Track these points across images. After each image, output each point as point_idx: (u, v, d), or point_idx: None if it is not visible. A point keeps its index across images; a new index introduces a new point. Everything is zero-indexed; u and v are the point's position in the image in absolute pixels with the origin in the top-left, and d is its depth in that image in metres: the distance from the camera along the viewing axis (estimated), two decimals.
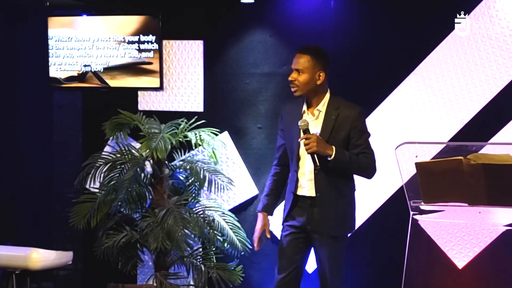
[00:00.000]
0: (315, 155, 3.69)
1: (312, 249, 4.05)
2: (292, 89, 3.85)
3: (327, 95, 3.89)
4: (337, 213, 3.87)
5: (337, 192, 3.87)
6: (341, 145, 3.80)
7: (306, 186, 3.88)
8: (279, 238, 5.40)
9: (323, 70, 3.83)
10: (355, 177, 4.08)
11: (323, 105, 3.87)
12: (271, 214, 4.17)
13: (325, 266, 3.93)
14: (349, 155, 3.75)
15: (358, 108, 3.90)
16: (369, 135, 3.92)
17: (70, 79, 5.61)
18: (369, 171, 3.89)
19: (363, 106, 5.19)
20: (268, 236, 4.08)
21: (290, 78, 3.84)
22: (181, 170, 5.31)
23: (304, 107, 3.89)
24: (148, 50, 5.47)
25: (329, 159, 3.71)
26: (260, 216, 4.09)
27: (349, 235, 4.11)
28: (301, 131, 3.75)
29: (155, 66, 5.47)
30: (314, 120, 3.87)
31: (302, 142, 3.75)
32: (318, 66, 3.82)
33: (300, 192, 3.90)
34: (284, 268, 4.01)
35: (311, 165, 3.80)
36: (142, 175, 5.20)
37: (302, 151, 3.84)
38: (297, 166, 3.88)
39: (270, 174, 4.20)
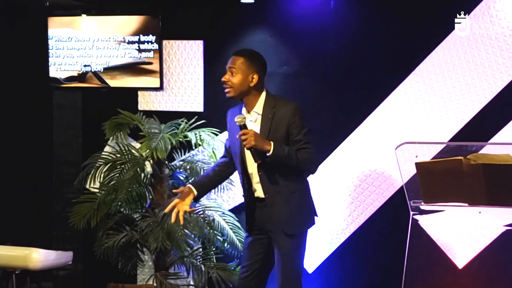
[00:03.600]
0: (254, 150, 3.70)
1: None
2: (225, 91, 3.88)
3: (263, 96, 3.91)
4: (290, 211, 3.87)
5: (287, 191, 3.88)
6: (281, 143, 3.80)
7: (257, 188, 3.92)
8: None
9: (257, 73, 3.88)
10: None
11: (259, 107, 3.89)
12: (198, 195, 4.00)
13: (278, 263, 3.93)
14: (288, 150, 3.76)
15: (294, 104, 3.88)
16: (308, 130, 3.89)
17: (70, 79, 5.61)
18: (309, 165, 3.87)
19: (364, 106, 5.25)
20: (188, 209, 3.91)
21: (223, 79, 3.88)
22: (181, 170, 5.31)
23: (244, 111, 3.90)
24: (148, 50, 5.47)
25: (267, 154, 3.72)
26: (187, 186, 3.97)
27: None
28: (239, 127, 3.77)
29: (155, 66, 5.47)
30: (253, 123, 3.87)
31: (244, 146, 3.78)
32: (252, 69, 3.87)
33: (256, 194, 3.94)
34: (246, 268, 4.03)
35: (255, 166, 3.85)
36: (142, 175, 5.20)
37: (247, 155, 3.85)
38: (241, 169, 3.92)
39: (216, 162, 4.22)
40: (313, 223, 4.02)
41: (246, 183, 3.93)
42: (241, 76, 3.83)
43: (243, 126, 3.73)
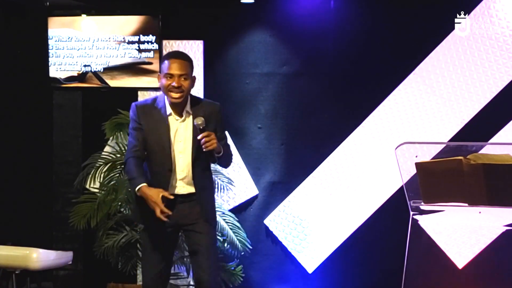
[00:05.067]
0: (211, 151, 3.75)
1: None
2: (177, 95, 3.79)
3: (188, 96, 3.93)
4: (211, 203, 3.99)
5: (208, 185, 3.98)
6: None
7: (180, 184, 3.87)
8: (276, 235, 5.42)
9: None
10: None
11: (188, 106, 3.89)
12: None
13: (205, 252, 3.89)
14: (222, 147, 3.87)
15: (218, 104, 3.97)
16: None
17: (70, 79, 5.61)
18: (230, 161, 4.08)
19: (364, 106, 5.26)
20: (171, 197, 3.80)
21: (177, 85, 3.78)
22: None
23: (169, 110, 3.85)
24: (148, 50, 5.46)
25: (218, 155, 3.80)
26: (146, 187, 3.73)
27: None
28: (198, 129, 3.74)
29: (155, 66, 5.47)
30: (181, 122, 3.85)
31: (177, 142, 3.81)
32: (193, 71, 3.90)
33: (176, 191, 3.86)
34: (156, 268, 3.92)
35: (184, 163, 3.84)
36: None
37: (179, 151, 3.84)
38: (171, 167, 3.85)
39: (133, 156, 3.81)
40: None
41: (164, 181, 3.82)
42: (189, 80, 3.85)
43: (203, 129, 3.74)
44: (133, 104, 3.91)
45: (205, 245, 3.89)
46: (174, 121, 3.84)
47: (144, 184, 3.71)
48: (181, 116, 3.86)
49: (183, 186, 3.86)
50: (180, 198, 3.86)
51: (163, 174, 3.84)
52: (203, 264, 3.87)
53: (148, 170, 3.87)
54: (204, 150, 3.73)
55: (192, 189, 3.87)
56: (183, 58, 3.86)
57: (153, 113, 3.85)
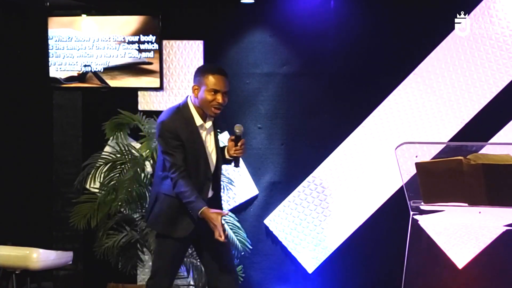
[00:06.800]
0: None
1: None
2: (218, 111, 3.84)
3: None
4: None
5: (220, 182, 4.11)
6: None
7: (210, 189, 3.91)
8: (276, 235, 5.42)
9: None
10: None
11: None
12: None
13: (229, 254, 4.02)
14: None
15: None
16: None
17: (70, 79, 5.61)
18: None
19: (364, 106, 5.26)
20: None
21: (222, 102, 3.81)
22: None
23: (201, 121, 3.86)
24: (148, 50, 5.47)
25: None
26: (207, 209, 3.71)
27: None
28: (235, 136, 3.92)
29: (155, 66, 5.47)
30: (208, 130, 3.90)
31: (208, 150, 3.87)
32: None
33: (208, 195, 3.92)
34: (169, 278, 3.95)
35: (213, 169, 3.91)
36: (142, 175, 5.19)
37: (212, 159, 3.91)
38: (208, 174, 3.88)
39: (183, 177, 3.75)
40: None
41: (203, 190, 3.86)
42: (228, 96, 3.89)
43: (239, 137, 3.91)
44: (163, 122, 3.80)
45: (227, 250, 3.97)
46: (203, 130, 3.87)
47: (206, 207, 3.70)
48: (205, 124, 3.89)
49: (210, 190, 3.92)
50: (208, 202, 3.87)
51: (202, 183, 3.85)
52: (227, 262, 3.97)
53: None
54: (235, 155, 3.93)
55: (212, 192, 3.93)
56: (226, 75, 3.85)
57: (184, 126, 3.81)
